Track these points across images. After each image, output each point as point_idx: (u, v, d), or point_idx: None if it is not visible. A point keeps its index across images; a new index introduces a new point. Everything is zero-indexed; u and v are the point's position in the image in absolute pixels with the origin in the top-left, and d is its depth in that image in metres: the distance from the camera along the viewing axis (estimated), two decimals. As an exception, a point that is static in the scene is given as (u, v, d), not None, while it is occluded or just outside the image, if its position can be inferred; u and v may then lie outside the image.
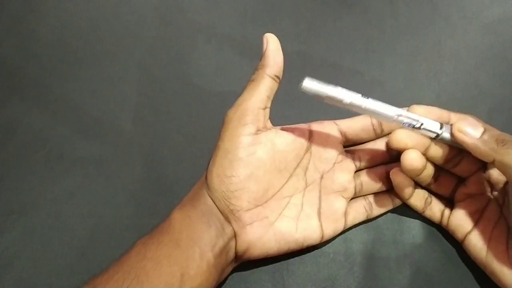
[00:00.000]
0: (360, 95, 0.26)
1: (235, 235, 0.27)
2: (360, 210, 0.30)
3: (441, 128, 0.26)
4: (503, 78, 0.37)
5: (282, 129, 0.29)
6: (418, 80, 0.37)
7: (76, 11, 0.42)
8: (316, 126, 0.30)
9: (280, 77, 0.29)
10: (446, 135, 0.26)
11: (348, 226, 0.30)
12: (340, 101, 0.25)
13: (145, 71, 0.38)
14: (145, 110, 0.37)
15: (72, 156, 0.35)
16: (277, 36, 0.28)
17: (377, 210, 0.31)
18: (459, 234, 0.29)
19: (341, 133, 0.30)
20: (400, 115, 0.26)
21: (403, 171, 0.27)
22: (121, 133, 0.36)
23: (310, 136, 0.30)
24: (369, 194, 0.31)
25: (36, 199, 0.33)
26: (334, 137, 0.30)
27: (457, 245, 0.30)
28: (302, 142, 0.30)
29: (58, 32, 0.41)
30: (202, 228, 0.26)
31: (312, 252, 0.30)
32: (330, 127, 0.31)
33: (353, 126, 0.30)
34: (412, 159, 0.26)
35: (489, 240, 0.27)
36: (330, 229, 0.29)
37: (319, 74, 0.38)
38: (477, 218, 0.28)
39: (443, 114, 0.27)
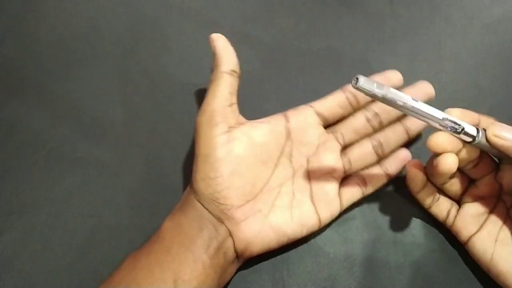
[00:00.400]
0: (410, 97, 0.25)
1: (230, 234, 0.27)
2: (354, 189, 0.30)
3: (478, 132, 0.26)
4: (503, 78, 0.37)
5: (258, 121, 0.29)
6: (418, 80, 0.37)
7: (76, 11, 0.42)
8: (292, 112, 0.30)
9: (238, 70, 0.29)
10: (482, 139, 0.26)
11: (345, 207, 0.30)
12: (394, 102, 0.25)
13: (145, 71, 0.38)
14: (145, 110, 0.37)
15: (72, 156, 0.35)
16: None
17: (372, 186, 0.31)
18: (463, 235, 0.29)
19: (318, 114, 0.30)
20: (446, 119, 0.26)
21: (436, 172, 0.27)
22: (121, 133, 0.36)
23: (287, 123, 0.30)
24: (361, 171, 0.31)
25: (36, 199, 0.33)
26: (312, 119, 0.30)
27: (457, 245, 0.30)
28: (280, 130, 0.29)
29: (58, 32, 0.41)
30: (193, 234, 0.26)
31: (312, 252, 0.30)
32: (306, 111, 0.30)
33: (328, 104, 0.30)
34: (451, 163, 0.26)
35: (494, 242, 0.27)
36: (326, 213, 0.29)
37: (318, 74, 0.38)
38: (483, 220, 0.28)
39: (475, 117, 0.27)
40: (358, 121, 0.31)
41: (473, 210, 0.29)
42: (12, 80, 0.39)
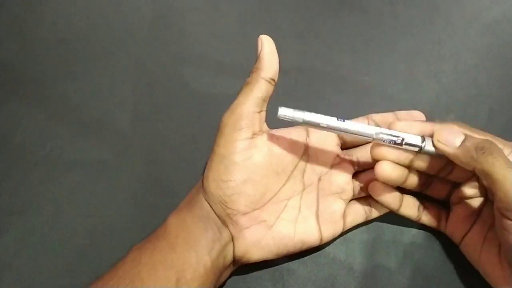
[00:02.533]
0: (335, 118, 0.26)
1: (232, 239, 0.27)
2: (359, 212, 0.30)
3: (423, 141, 0.26)
4: (503, 78, 0.37)
5: (279, 132, 0.29)
6: (418, 80, 0.37)
7: (76, 11, 0.42)
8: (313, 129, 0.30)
9: (276, 80, 0.28)
10: (429, 147, 0.26)
11: (347, 228, 0.30)
12: (318, 125, 0.26)
13: (145, 71, 0.38)
14: (145, 110, 0.37)
15: (72, 156, 0.35)
16: (277, 36, 0.28)
17: (376, 212, 0.31)
18: (456, 237, 0.29)
19: (338, 135, 0.30)
20: (380, 133, 0.26)
21: (378, 179, 0.27)
22: (121, 133, 0.36)
23: (308, 138, 0.30)
24: (368, 196, 0.31)
25: (36, 199, 0.33)
26: (331, 139, 0.30)
27: (457, 245, 0.30)
28: (299, 144, 0.29)
29: (58, 32, 0.41)
30: (198, 232, 0.26)
31: (312, 252, 0.30)
32: None
33: None
34: (384, 170, 0.27)
35: (483, 241, 0.27)
36: (329, 231, 0.29)
37: (318, 73, 0.38)
38: (473, 220, 0.28)
39: (426, 127, 0.27)
40: None
41: (462, 212, 0.29)
42: (12, 80, 0.39)
